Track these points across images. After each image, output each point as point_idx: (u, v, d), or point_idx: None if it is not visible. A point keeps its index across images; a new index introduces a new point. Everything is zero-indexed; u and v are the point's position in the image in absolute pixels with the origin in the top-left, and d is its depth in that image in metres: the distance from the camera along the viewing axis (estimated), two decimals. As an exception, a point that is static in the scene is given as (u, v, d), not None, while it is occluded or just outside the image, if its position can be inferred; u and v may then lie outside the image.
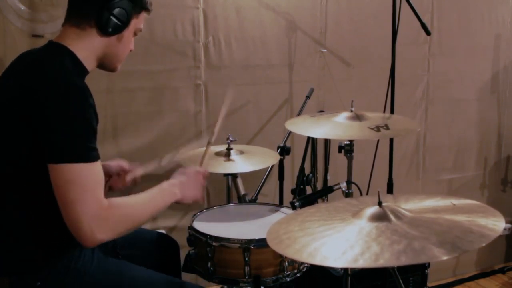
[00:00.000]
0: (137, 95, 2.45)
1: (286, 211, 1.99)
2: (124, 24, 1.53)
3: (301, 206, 1.91)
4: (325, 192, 2.12)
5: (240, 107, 2.64)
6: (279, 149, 2.40)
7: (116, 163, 1.84)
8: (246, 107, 2.66)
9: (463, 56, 3.10)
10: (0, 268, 1.45)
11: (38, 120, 1.34)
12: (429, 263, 2.34)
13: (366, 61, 2.86)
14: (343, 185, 2.04)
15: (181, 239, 1.96)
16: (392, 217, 1.25)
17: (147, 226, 2.29)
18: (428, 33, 2.39)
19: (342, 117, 2.05)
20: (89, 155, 1.36)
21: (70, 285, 1.48)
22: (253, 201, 2.36)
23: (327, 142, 2.81)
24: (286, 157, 2.47)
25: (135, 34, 1.62)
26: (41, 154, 1.34)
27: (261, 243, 1.68)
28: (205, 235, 1.75)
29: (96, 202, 1.34)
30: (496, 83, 3.23)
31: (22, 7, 2.19)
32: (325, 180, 2.81)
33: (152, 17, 1.74)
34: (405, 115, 2.34)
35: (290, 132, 2.40)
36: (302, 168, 2.56)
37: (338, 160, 2.76)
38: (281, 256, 1.70)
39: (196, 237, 1.79)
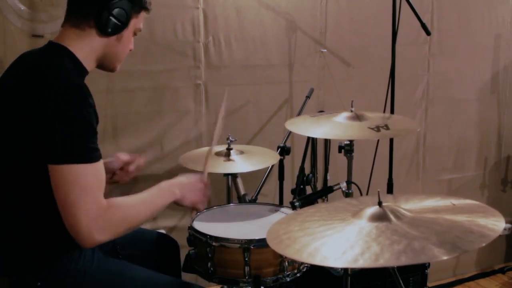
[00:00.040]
0: (137, 95, 2.45)
1: (286, 211, 1.98)
2: (123, 24, 1.53)
3: (301, 206, 1.91)
4: (325, 192, 2.12)
5: (240, 107, 2.64)
6: (279, 149, 2.40)
7: (117, 159, 1.84)
8: (246, 107, 2.66)
9: (463, 56, 3.10)
10: (0, 268, 1.45)
11: (38, 120, 1.34)
12: (429, 263, 2.34)
13: (366, 61, 2.86)
14: (343, 185, 2.04)
15: (181, 239, 1.96)
16: (392, 217, 1.25)
17: (147, 226, 2.28)
18: (428, 33, 2.39)
19: (342, 117, 2.05)
20: (90, 155, 1.36)
21: (70, 285, 1.48)
22: (253, 201, 2.36)
23: (327, 142, 2.80)
24: (286, 157, 2.47)
25: (134, 34, 1.62)
26: (41, 154, 1.34)
27: (261, 243, 1.68)
28: (205, 235, 1.75)
29: (96, 204, 1.34)
30: (496, 83, 3.23)
31: (22, 7, 2.18)
32: (325, 180, 2.81)
33: (152, 17, 1.74)
34: (405, 115, 2.33)
35: (290, 132, 2.40)
36: (302, 168, 2.56)
37: (338, 160, 2.76)
38: (281, 256, 1.70)
39: (196, 237, 1.79)
